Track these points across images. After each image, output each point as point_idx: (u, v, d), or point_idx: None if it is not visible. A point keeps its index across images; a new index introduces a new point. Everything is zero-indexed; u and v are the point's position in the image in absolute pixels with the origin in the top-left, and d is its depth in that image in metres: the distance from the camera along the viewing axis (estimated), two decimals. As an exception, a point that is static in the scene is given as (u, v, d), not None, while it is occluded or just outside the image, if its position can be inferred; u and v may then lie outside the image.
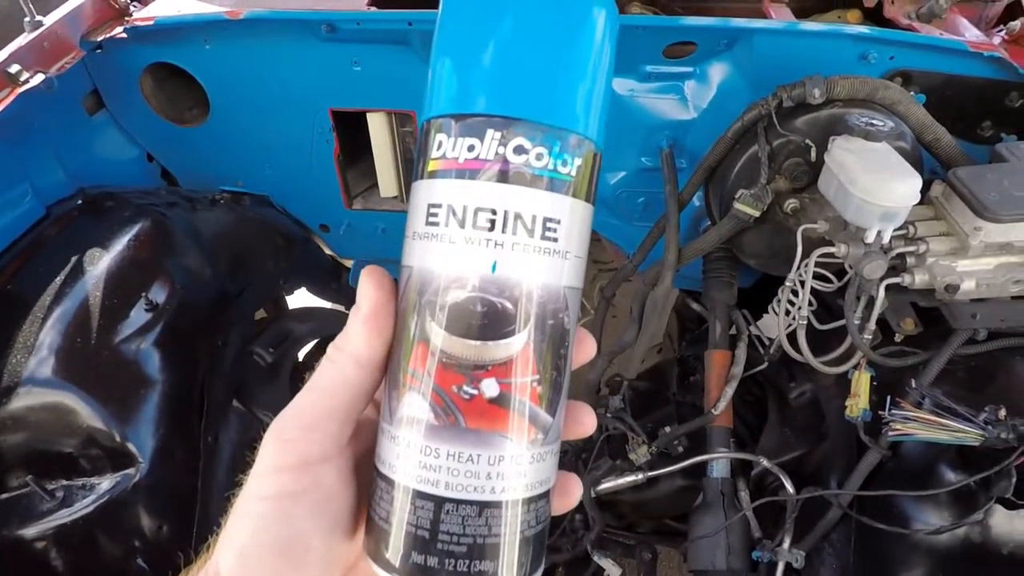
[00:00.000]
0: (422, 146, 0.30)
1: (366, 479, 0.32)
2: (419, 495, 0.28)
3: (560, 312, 0.29)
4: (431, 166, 0.28)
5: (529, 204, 0.27)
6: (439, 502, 0.28)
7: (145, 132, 1.25)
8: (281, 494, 0.29)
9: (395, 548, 0.29)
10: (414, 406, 0.29)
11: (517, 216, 0.27)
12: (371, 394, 0.31)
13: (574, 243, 0.29)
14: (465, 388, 0.28)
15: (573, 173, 0.28)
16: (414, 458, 0.29)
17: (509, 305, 0.28)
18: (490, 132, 0.27)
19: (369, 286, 0.30)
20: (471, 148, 0.27)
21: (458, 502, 0.28)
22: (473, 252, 0.27)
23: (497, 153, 0.27)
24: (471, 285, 0.27)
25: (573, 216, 0.29)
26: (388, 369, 0.31)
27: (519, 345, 0.28)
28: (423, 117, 0.30)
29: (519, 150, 0.27)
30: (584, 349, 0.32)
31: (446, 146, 0.28)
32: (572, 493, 0.33)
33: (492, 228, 0.27)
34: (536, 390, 0.29)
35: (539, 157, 0.27)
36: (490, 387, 0.28)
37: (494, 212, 0.27)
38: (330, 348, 0.31)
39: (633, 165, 1.17)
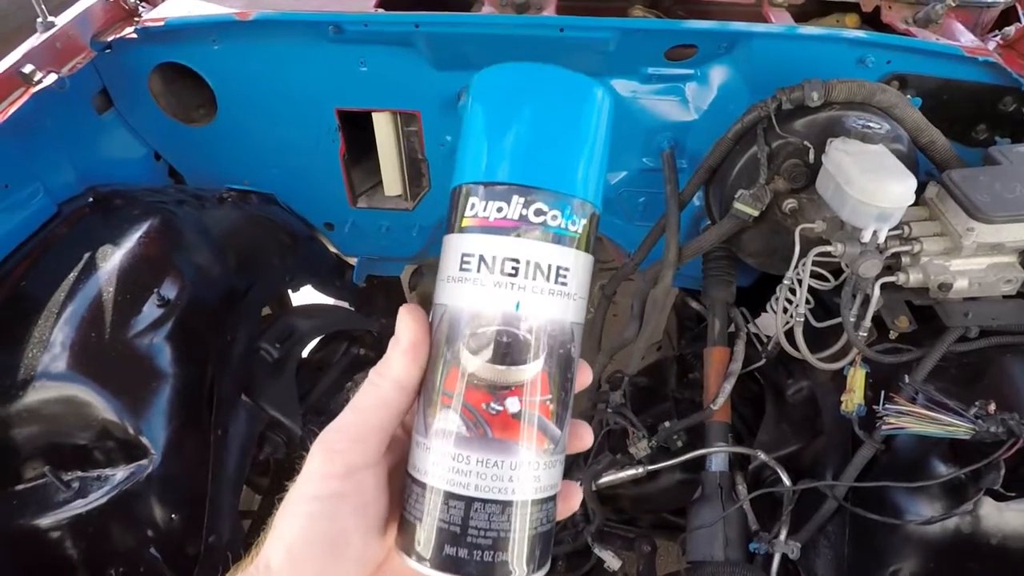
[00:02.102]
0: (455, 205, 0.35)
1: (397, 487, 0.37)
2: (451, 496, 0.33)
3: (568, 343, 0.35)
4: (464, 222, 0.34)
5: (546, 255, 0.33)
6: (469, 502, 0.33)
7: (153, 131, 1.27)
8: (330, 496, 0.34)
9: (428, 542, 0.34)
10: (448, 420, 0.34)
11: (536, 265, 0.33)
12: (405, 413, 0.36)
13: (579, 287, 0.35)
14: (492, 405, 0.33)
15: (579, 230, 0.34)
16: (447, 464, 0.34)
17: (529, 337, 0.33)
18: (515, 197, 0.33)
19: (408, 321, 0.35)
20: (500, 209, 0.33)
21: (485, 501, 0.33)
22: (500, 294, 0.33)
23: (521, 214, 0.33)
24: (498, 320, 0.33)
25: (578, 265, 0.35)
26: (422, 391, 0.36)
27: (536, 370, 0.34)
28: (456, 181, 0.36)
29: (538, 212, 0.33)
30: (583, 376, 0.38)
31: (478, 207, 0.34)
32: (572, 498, 0.39)
33: (516, 274, 0.33)
34: (549, 407, 0.34)
35: (554, 218, 0.34)
36: (513, 404, 0.33)
37: (517, 261, 0.33)
38: (372, 373, 0.36)
39: (634, 165, 1.19)
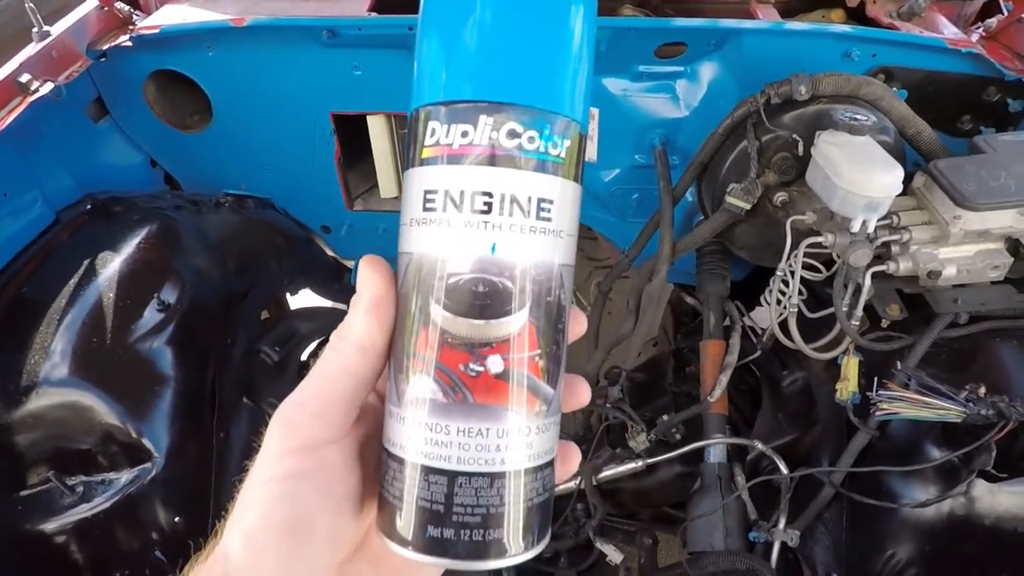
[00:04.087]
0: (413, 134, 0.30)
1: (371, 462, 0.33)
2: (432, 471, 0.29)
3: (556, 289, 0.30)
4: (425, 153, 0.29)
5: (523, 186, 0.28)
6: (452, 476, 0.29)
7: (148, 138, 1.28)
8: (287, 476, 0.30)
9: (409, 524, 0.30)
10: (422, 387, 0.29)
11: (513, 198, 0.28)
12: (374, 381, 0.32)
13: (566, 222, 0.30)
14: (471, 366, 0.29)
15: (563, 154, 0.29)
16: (425, 436, 0.29)
17: (509, 284, 0.28)
18: (482, 118, 0.28)
19: (369, 275, 0.31)
20: (464, 134, 0.28)
21: (470, 475, 0.29)
22: (472, 235, 0.28)
23: (490, 138, 0.28)
24: (472, 267, 0.28)
25: (564, 196, 0.29)
26: (392, 354, 0.31)
27: (520, 322, 0.29)
28: (413, 105, 0.30)
29: (511, 134, 0.28)
30: (577, 325, 0.33)
31: (439, 133, 0.28)
32: (572, 459, 0.35)
33: (489, 211, 0.28)
34: (538, 364, 0.30)
35: (531, 140, 0.28)
36: (495, 363, 0.29)
37: (490, 195, 0.28)
38: (333, 337, 0.32)
39: (627, 162, 1.21)
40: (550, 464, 0.32)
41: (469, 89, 0.28)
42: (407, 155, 0.31)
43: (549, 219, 0.29)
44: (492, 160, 0.28)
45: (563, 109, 0.29)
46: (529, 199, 0.28)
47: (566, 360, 0.32)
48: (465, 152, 0.28)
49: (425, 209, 0.29)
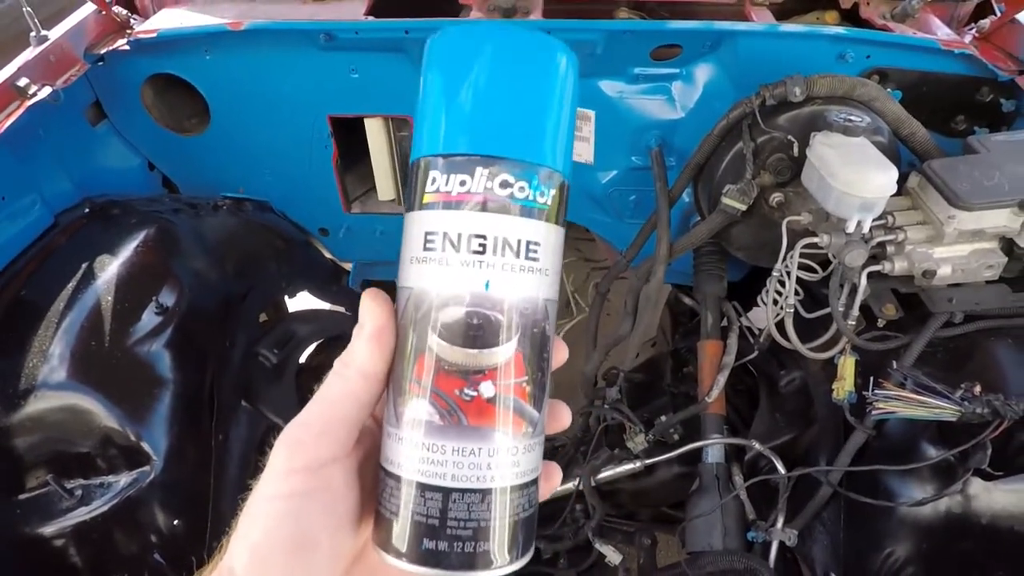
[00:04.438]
0: (415, 181, 0.33)
1: (368, 480, 0.35)
2: (428, 488, 0.32)
3: (542, 321, 0.33)
4: (426, 199, 0.32)
5: (514, 230, 0.32)
6: (447, 492, 0.32)
7: (146, 141, 1.28)
8: (293, 494, 0.32)
9: (405, 537, 0.32)
10: (420, 409, 0.32)
11: (505, 241, 0.32)
12: (374, 404, 0.34)
13: (551, 262, 0.34)
14: (466, 391, 0.32)
15: (549, 202, 0.33)
16: (422, 455, 0.32)
17: (500, 317, 0.32)
18: (479, 169, 0.31)
19: (371, 306, 0.33)
20: (462, 183, 0.32)
21: (464, 491, 0.32)
22: (468, 273, 0.32)
23: (486, 187, 0.31)
24: (467, 301, 0.32)
25: (549, 238, 0.33)
26: (391, 380, 0.34)
27: (510, 351, 0.32)
28: (415, 155, 0.34)
29: (504, 184, 0.32)
30: (559, 353, 0.37)
31: (439, 181, 0.32)
32: (553, 477, 0.38)
33: (484, 252, 0.31)
34: (525, 389, 0.33)
35: (521, 189, 0.32)
36: (487, 388, 0.32)
37: (485, 238, 0.31)
38: (337, 363, 0.34)
39: (624, 164, 1.21)
40: (535, 482, 0.35)
41: (467, 144, 0.32)
42: (408, 199, 0.34)
43: (536, 259, 0.33)
44: (487, 207, 0.31)
45: (548, 162, 0.33)
46: (519, 242, 0.32)
47: (550, 386, 0.36)
48: (463, 199, 0.32)
49: (425, 249, 0.32)
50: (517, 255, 0.32)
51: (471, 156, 0.32)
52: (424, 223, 0.32)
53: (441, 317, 0.32)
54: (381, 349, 0.33)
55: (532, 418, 0.34)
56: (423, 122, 0.33)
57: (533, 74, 0.33)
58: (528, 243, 0.32)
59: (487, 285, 0.31)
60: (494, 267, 0.31)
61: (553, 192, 0.33)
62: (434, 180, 0.32)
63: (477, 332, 0.31)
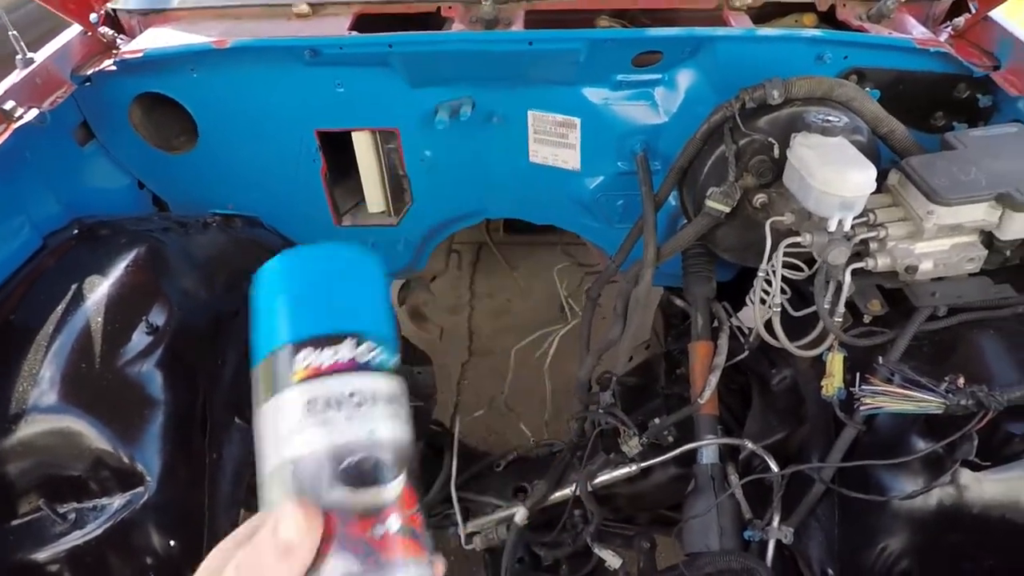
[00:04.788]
0: (274, 370, 0.37)
1: None
2: None
3: (412, 457, 0.39)
4: (299, 375, 0.37)
5: (381, 385, 0.38)
6: None
7: (135, 161, 1.28)
8: None
9: None
10: (339, 565, 0.34)
11: (375, 394, 0.37)
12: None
13: (405, 406, 0.40)
14: (376, 528, 0.35)
15: (396, 362, 0.40)
16: None
17: (389, 455, 0.37)
18: (347, 342, 0.37)
19: (299, 522, 0.34)
20: (335, 353, 0.37)
21: None
22: (354, 426, 0.36)
23: (354, 356, 0.37)
24: (360, 449, 0.36)
25: (401, 387, 0.40)
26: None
27: (402, 483, 0.37)
28: (271, 347, 0.38)
29: (369, 349, 0.38)
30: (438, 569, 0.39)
31: (311, 357, 0.37)
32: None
33: (362, 406, 0.36)
34: (417, 518, 0.37)
35: (379, 353, 0.38)
36: (393, 522, 0.36)
37: (363, 395, 0.37)
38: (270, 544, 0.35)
39: (610, 170, 1.22)
40: None
41: (336, 325, 0.38)
42: (261, 392, 0.38)
43: (400, 406, 0.39)
44: (356, 370, 0.37)
45: (389, 333, 0.40)
46: (386, 394, 0.38)
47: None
48: (336, 367, 0.37)
49: (309, 415, 0.36)
50: (388, 404, 0.37)
51: (339, 334, 0.37)
52: (304, 394, 0.36)
53: (343, 468, 0.35)
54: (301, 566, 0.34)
55: (427, 544, 0.38)
56: (277, 320, 0.38)
57: (360, 279, 0.41)
58: (391, 395, 0.38)
59: (372, 432, 0.36)
60: (373, 417, 0.36)
61: (395, 356, 0.40)
62: (305, 358, 0.37)
63: (375, 472, 0.36)
